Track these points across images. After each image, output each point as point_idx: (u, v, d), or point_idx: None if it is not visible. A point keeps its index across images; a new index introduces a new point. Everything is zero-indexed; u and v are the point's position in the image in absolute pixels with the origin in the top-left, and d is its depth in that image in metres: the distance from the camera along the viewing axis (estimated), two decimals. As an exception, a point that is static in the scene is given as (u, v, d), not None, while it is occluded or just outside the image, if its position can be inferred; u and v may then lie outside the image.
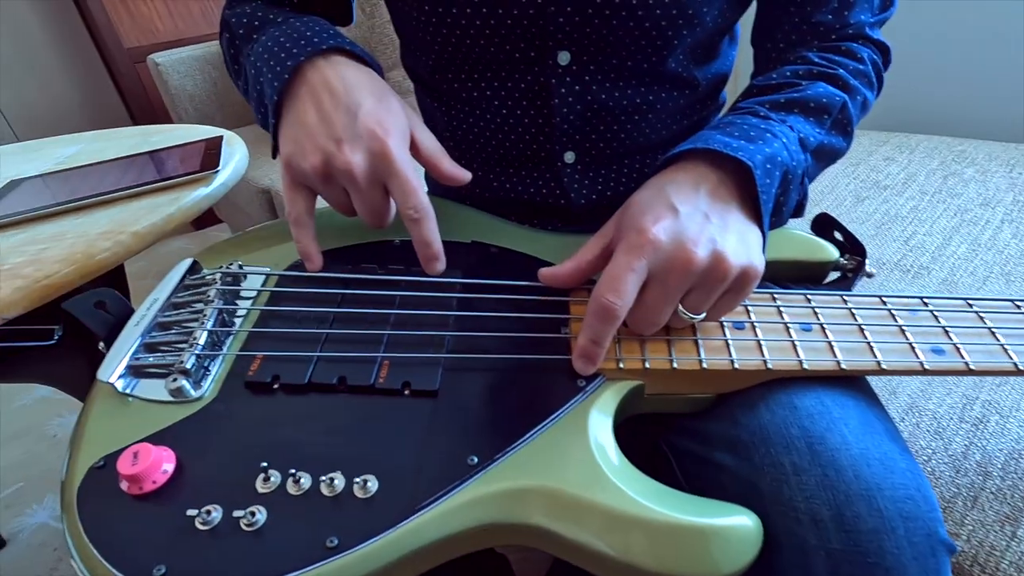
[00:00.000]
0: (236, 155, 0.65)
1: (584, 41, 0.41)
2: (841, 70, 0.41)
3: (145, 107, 1.99)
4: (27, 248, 0.46)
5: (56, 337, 0.64)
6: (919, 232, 0.67)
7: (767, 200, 0.34)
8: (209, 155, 0.64)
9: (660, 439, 0.39)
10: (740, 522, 0.28)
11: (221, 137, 0.70)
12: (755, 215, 0.34)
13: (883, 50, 0.45)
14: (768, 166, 0.34)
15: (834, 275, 0.44)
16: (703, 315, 0.33)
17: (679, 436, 0.37)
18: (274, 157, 0.41)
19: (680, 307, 0.33)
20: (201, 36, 1.94)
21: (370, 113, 0.35)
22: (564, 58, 0.42)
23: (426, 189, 0.37)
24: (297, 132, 0.36)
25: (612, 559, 0.28)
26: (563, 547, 0.29)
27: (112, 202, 0.55)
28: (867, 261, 0.43)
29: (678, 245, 0.31)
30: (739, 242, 0.32)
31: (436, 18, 0.42)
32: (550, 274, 0.37)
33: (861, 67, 0.42)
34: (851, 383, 0.35)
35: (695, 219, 0.32)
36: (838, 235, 0.44)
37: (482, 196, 0.53)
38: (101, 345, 0.40)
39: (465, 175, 0.39)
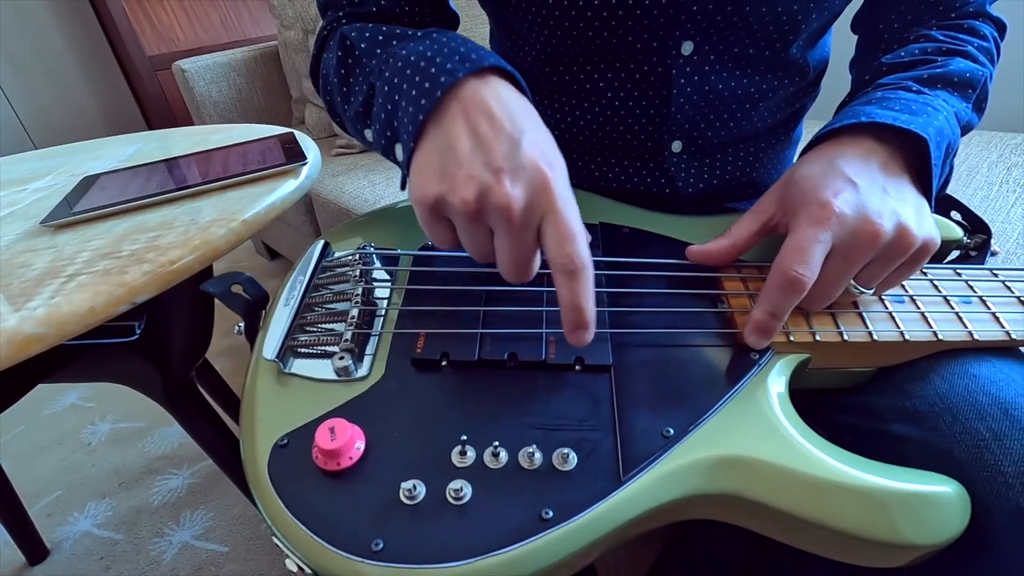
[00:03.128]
0: (311, 150, 0.65)
1: (711, 30, 0.40)
2: (970, 47, 0.41)
3: (164, 114, 1.98)
4: (138, 236, 0.45)
5: (137, 333, 0.63)
6: (996, 220, 0.68)
7: (937, 174, 0.34)
8: (289, 149, 0.63)
9: (810, 416, 0.38)
10: (948, 488, 0.28)
11: (292, 133, 0.70)
12: (923, 189, 0.34)
13: (1001, 27, 0.45)
14: (938, 139, 0.34)
15: (954, 254, 0.44)
16: (872, 289, 0.33)
17: (836, 411, 0.37)
18: (403, 188, 0.35)
19: (851, 280, 0.32)
20: (221, 44, 1.95)
21: (535, 143, 0.30)
22: (687, 48, 0.41)
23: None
24: (445, 160, 0.31)
25: (827, 529, 0.27)
26: (766, 518, 0.28)
27: (207, 193, 0.54)
28: (992, 239, 0.43)
29: (862, 218, 0.30)
30: (918, 214, 0.32)
31: (559, 11, 0.41)
32: (701, 251, 0.37)
33: (985, 44, 0.42)
34: (1014, 352, 0.35)
35: (875, 192, 0.31)
36: (955, 215, 0.44)
37: (580, 188, 0.52)
38: (238, 328, 0.39)
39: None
